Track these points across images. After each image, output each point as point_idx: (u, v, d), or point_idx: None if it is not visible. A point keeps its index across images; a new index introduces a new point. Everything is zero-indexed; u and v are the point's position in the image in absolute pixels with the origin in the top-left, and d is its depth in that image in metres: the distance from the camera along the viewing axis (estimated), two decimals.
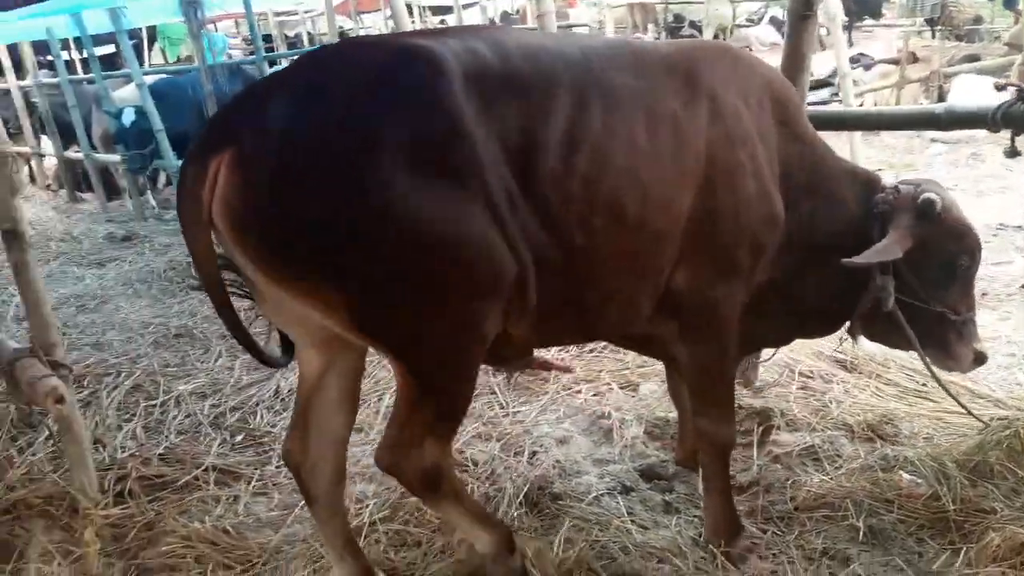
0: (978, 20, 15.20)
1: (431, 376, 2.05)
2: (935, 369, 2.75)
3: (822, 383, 3.70)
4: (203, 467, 3.27)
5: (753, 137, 2.37)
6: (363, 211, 1.78)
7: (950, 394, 2.88)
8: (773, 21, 17.36)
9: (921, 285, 2.56)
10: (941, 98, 8.99)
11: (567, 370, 3.32)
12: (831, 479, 2.98)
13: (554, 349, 3.95)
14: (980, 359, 2.70)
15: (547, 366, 2.91)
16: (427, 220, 1.82)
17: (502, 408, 3.63)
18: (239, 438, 3.61)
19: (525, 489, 2.91)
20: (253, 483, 3.20)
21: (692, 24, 18.44)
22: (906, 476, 2.91)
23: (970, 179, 7.58)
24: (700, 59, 2.38)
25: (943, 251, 2.57)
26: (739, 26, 18.30)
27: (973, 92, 8.54)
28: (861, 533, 2.67)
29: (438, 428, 2.12)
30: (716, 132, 2.31)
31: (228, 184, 1.78)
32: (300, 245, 1.80)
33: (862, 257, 2.42)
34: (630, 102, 2.18)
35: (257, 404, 3.94)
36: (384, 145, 1.79)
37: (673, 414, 3.35)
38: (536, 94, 2.03)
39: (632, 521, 2.75)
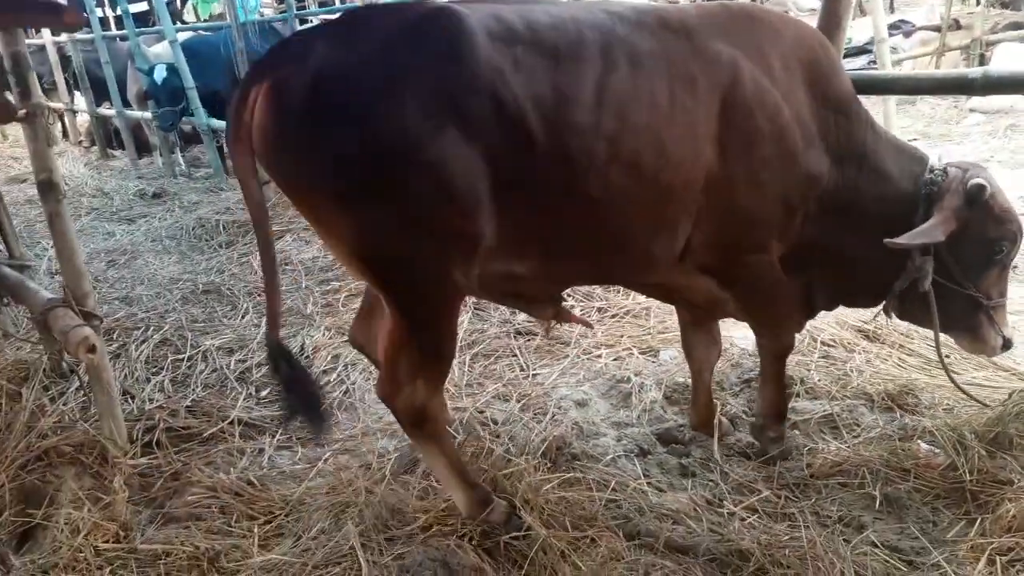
0: None
1: (415, 312, 2.26)
2: (943, 356, 2.78)
3: (844, 352, 3.69)
4: (229, 420, 3.36)
5: (775, 100, 2.37)
6: (375, 145, 1.98)
7: (954, 383, 2.86)
8: None
9: (959, 268, 2.58)
10: (982, 64, 8.75)
11: (588, 325, 3.33)
12: (848, 447, 2.99)
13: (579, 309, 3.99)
14: (1007, 344, 2.72)
15: (572, 318, 2.94)
16: (429, 162, 2.01)
17: (523, 370, 3.67)
18: (264, 393, 3.68)
19: (543, 448, 2.95)
20: (277, 437, 3.27)
21: None
22: (924, 446, 2.90)
23: (1007, 150, 7.39)
24: (723, 23, 2.40)
25: (985, 237, 2.57)
26: None
27: (1017, 60, 8.30)
28: (877, 501, 2.68)
29: (426, 368, 2.33)
30: (734, 96, 2.34)
31: (264, 109, 2.01)
32: (315, 169, 2.03)
33: (905, 238, 2.44)
34: (653, 64, 2.25)
35: None
36: (405, 90, 1.98)
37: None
38: (563, 57, 2.17)
39: (648, 483, 2.78)
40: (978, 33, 9.25)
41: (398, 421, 2.49)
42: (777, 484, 2.82)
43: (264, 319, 4.41)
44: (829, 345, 3.74)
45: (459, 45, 2.03)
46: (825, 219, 2.58)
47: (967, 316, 2.68)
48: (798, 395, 3.34)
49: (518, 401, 3.35)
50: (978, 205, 2.52)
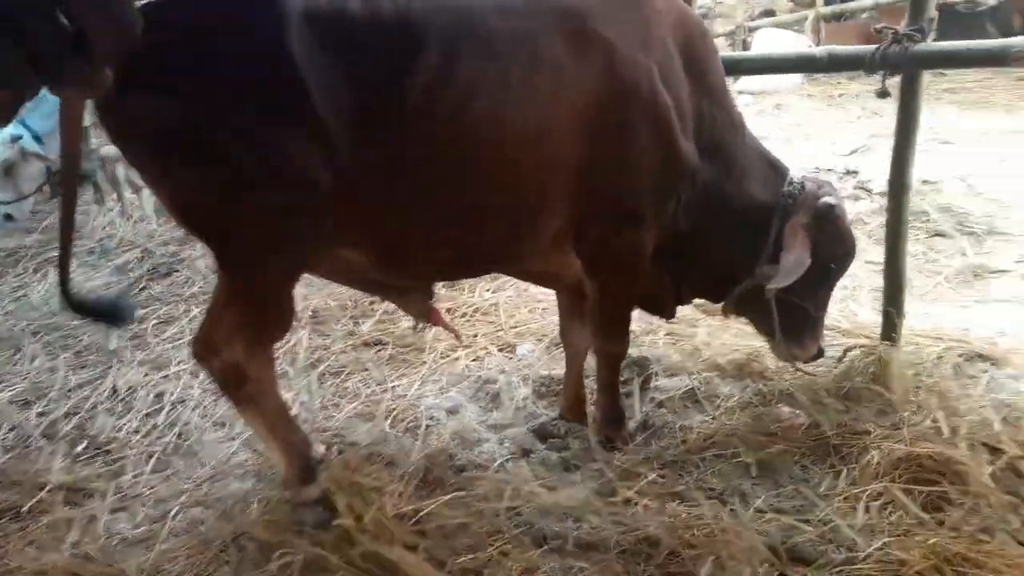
0: None
1: (239, 274, 2.30)
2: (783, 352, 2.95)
3: (687, 327, 3.81)
4: (46, 487, 2.85)
5: (654, 87, 2.35)
6: (193, 116, 2.02)
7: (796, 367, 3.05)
8: None
9: (800, 280, 2.63)
10: (745, 50, 9.54)
11: (457, 335, 3.19)
12: (714, 420, 3.07)
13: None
14: (820, 354, 2.95)
15: (440, 322, 2.83)
16: (244, 135, 2.04)
17: (380, 384, 3.44)
18: (80, 448, 3.18)
19: (424, 470, 2.77)
20: (109, 498, 2.82)
21: None
22: (785, 409, 3.05)
23: (777, 127, 8.09)
24: (597, 4, 2.34)
25: (825, 254, 2.69)
26: None
27: (774, 44, 9.14)
28: (752, 468, 2.77)
29: (247, 331, 2.34)
30: (608, 82, 2.30)
31: None
32: (147, 139, 2.09)
33: (782, 276, 2.55)
34: (508, 48, 2.19)
35: (94, 407, 3.50)
36: (221, 76, 2.02)
37: (556, 371, 3.32)
38: (399, 38, 2.11)
39: (540, 484, 2.69)
40: (740, 20, 10.09)
41: (216, 383, 2.45)
42: (657, 464, 2.84)
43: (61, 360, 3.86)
44: (673, 322, 3.84)
45: (270, 33, 2.02)
46: (693, 211, 2.61)
47: (794, 325, 2.81)
48: (656, 374, 3.40)
49: (385, 418, 3.14)
50: (825, 223, 2.65)
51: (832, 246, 2.71)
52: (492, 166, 2.24)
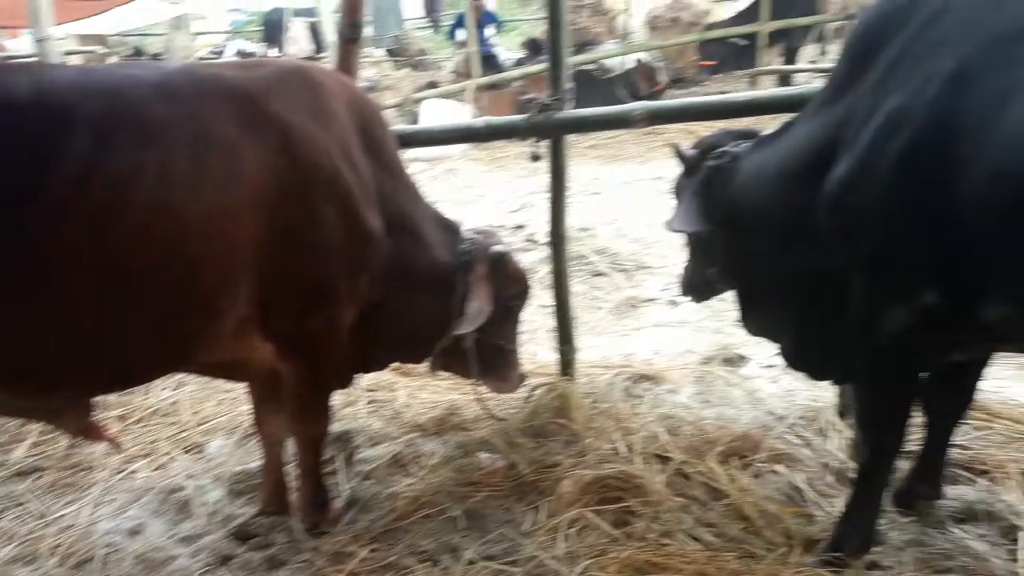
0: (423, 51, 17.30)
1: None
2: (482, 393, 3.15)
3: (387, 392, 3.81)
4: None
5: (335, 166, 2.35)
6: None
7: (484, 407, 3.23)
8: (239, 53, 17.34)
9: (490, 321, 2.85)
10: (415, 120, 9.99)
11: (115, 444, 2.85)
12: (420, 480, 3.08)
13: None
14: (523, 379, 3.18)
15: (100, 435, 2.51)
16: None
17: (41, 518, 2.97)
18: None
19: None
20: None
21: (155, 57, 17.48)
22: (484, 456, 3.15)
23: (451, 190, 8.55)
24: (271, 84, 2.30)
25: (507, 295, 2.95)
26: (203, 59, 17.91)
27: (440, 113, 9.69)
28: (460, 521, 2.81)
29: None
30: (287, 163, 2.25)
31: None
32: None
33: (469, 322, 2.74)
34: (168, 132, 2.05)
35: None
36: None
37: (252, 464, 3.13)
38: (41, 127, 1.91)
39: None
40: (407, 92, 10.56)
41: None
42: (369, 539, 2.77)
43: None
44: (372, 390, 3.82)
45: None
46: (385, 282, 2.64)
47: (495, 362, 3.04)
48: (360, 446, 3.34)
49: (51, 556, 2.71)
50: (500, 269, 2.89)
51: (510, 287, 2.97)
52: (157, 262, 2.07)
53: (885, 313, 2.05)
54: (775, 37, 11.06)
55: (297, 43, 15.12)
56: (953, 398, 2.48)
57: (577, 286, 5.23)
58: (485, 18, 12.72)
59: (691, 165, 2.87)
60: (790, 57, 12.04)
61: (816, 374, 2.65)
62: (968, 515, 2.53)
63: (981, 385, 2.51)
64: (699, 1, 13.94)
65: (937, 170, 1.82)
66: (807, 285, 2.36)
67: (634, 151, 9.29)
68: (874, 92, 2.03)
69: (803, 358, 2.61)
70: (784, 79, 9.94)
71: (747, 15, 11.86)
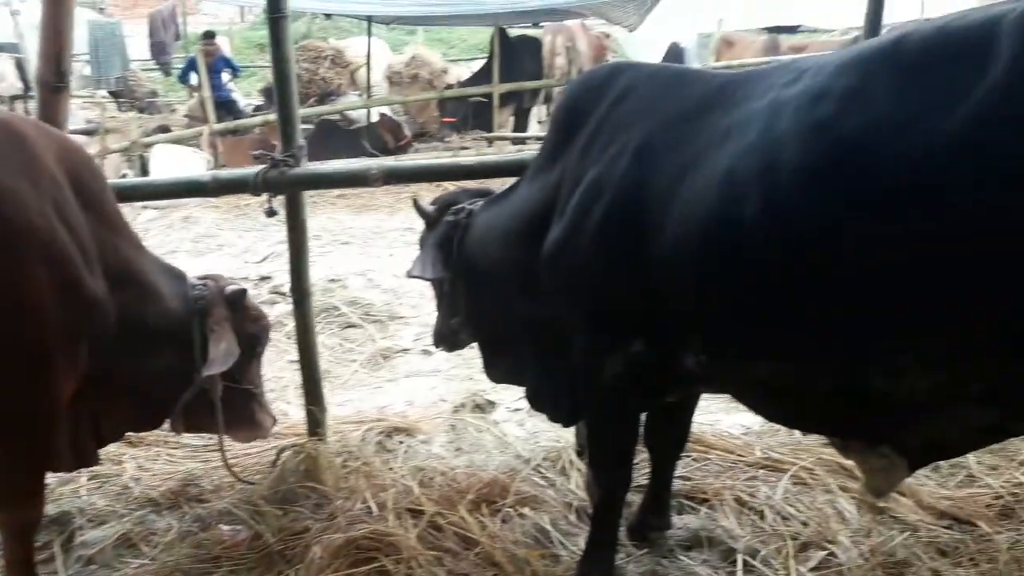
0: (154, 93, 16.25)
1: None
2: (223, 443, 2.94)
3: (113, 466, 3.44)
4: None
5: (50, 225, 2.11)
6: None
7: (228, 469, 3.04)
8: None
9: (235, 366, 2.73)
10: (144, 166, 9.31)
11: None
12: (154, 560, 2.82)
13: None
14: (275, 421, 3.09)
15: None
16: None
17: None
18: None
19: None
20: None
21: None
22: (225, 528, 2.95)
23: (188, 240, 8.06)
24: None
25: (248, 335, 2.85)
26: None
27: (172, 160, 9.11)
28: None
29: None
30: None
31: None
32: None
33: (218, 365, 2.61)
34: None
35: None
36: None
37: None
38: None
39: None
40: (135, 136, 9.80)
41: None
42: None
43: None
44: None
45: None
46: (112, 345, 2.42)
47: (244, 408, 2.92)
48: (81, 528, 2.99)
49: None
50: (239, 308, 2.80)
51: (251, 326, 2.89)
52: None
53: (604, 360, 2.23)
54: (507, 98, 11.83)
55: (5, 79, 13.54)
56: (672, 434, 2.74)
57: (328, 339, 5.15)
58: (220, 62, 12.25)
59: (431, 220, 2.97)
60: (521, 116, 12.92)
61: (553, 416, 2.82)
62: (694, 542, 2.78)
63: (697, 419, 2.80)
64: (436, 60, 14.48)
65: (632, 235, 2.03)
66: (539, 333, 2.53)
67: (383, 201, 9.35)
68: (579, 162, 2.25)
69: (542, 401, 2.75)
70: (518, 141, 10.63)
71: (482, 76, 12.56)
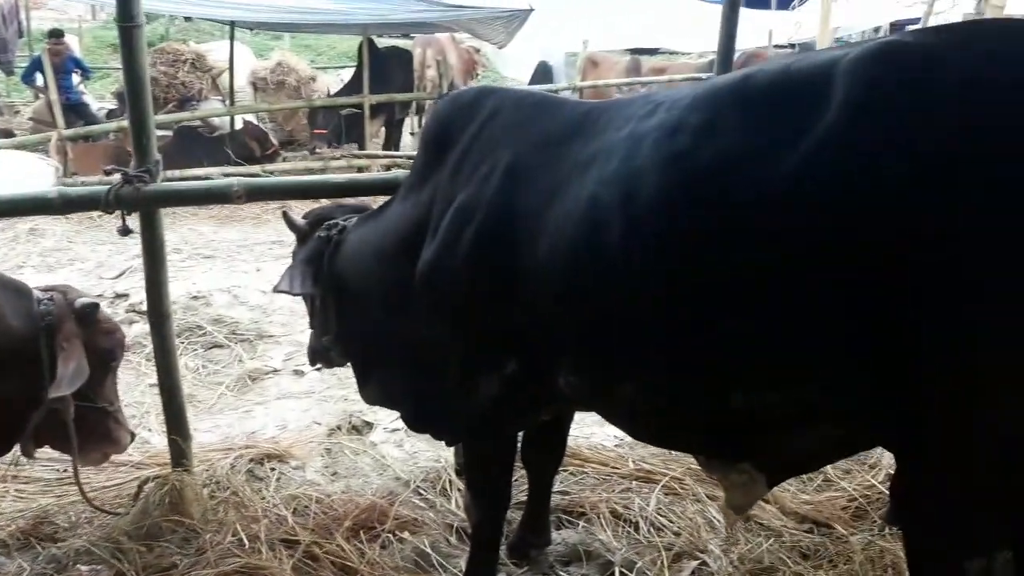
0: None
1: None
2: (78, 469, 2.76)
3: None
4: None
5: None
6: None
7: (86, 499, 2.86)
8: None
9: (87, 384, 2.61)
10: None
11: None
12: None
13: None
14: (133, 437, 2.93)
15: None
16: None
17: None
18: None
19: None
20: None
21: None
22: (84, 568, 2.76)
23: (36, 254, 7.50)
24: None
25: (101, 351, 2.71)
26: None
27: (16, 168, 8.43)
28: None
29: None
30: None
31: None
32: None
33: (66, 385, 2.48)
34: None
35: None
36: None
37: None
38: None
39: None
40: None
41: None
42: None
43: None
44: None
45: None
46: None
47: (100, 426, 2.77)
48: None
49: None
50: (90, 323, 2.66)
51: (104, 340, 2.75)
52: None
53: (478, 381, 2.25)
54: (377, 109, 11.68)
55: None
56: (549, 450, 2.79)
57: (192, 361, 4.92)
58: (69, 63, 11.42)
59: (302, 234, 2.89)
60: (395, 128, 12.77)
61: (436, 435, 2.80)
62: (573, 557, 2.83)
63: (573, 432, 2.85)
64: (303, 67, 14.15)
65: (502, 257, 2.06)
66: (415, 352, 2.50)
67: (249, 212, 8.98)
68: (450, 181, 2.27)
69: (421, 421, 2.73)
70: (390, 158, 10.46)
71: (352, 86, 12.33)
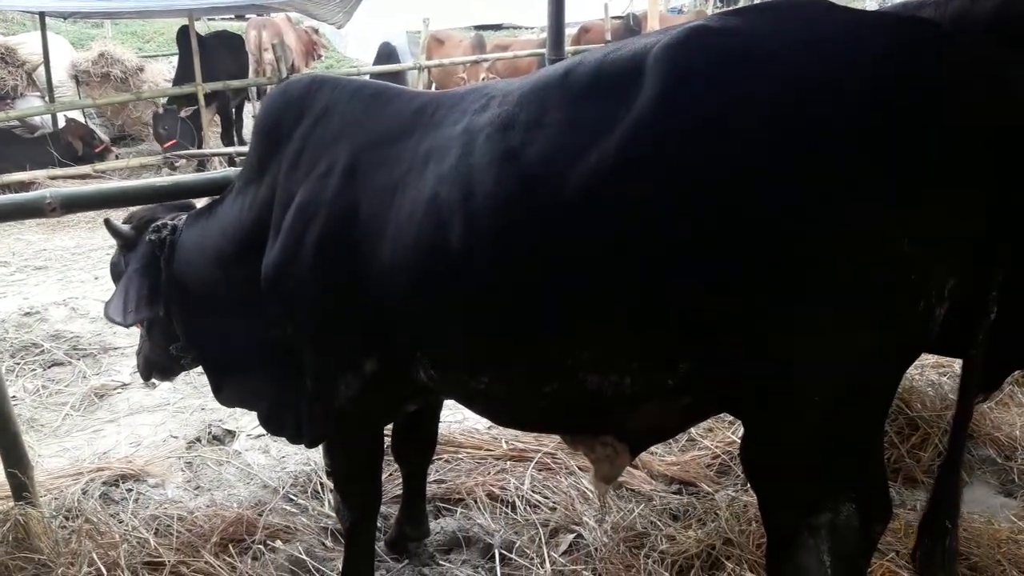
0: None
1: None
2: None
3: None
4: None
5: None
6: None
7: None
8: None
9: None
10: None
11: None
12: None
13: None
14: None
15: None
16: None
17: None
18: None
19: None
20: None
21: None
22: None
23: None
24: None
25: None
26: None
27: None
28: None
29: None
30: None
31: None
32: None
33: None
34: None
35: None
36: None
37: None
38: None
39: None
40: None
41: None
42: None
43: None
44: None
45: None
46: None
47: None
48: None
49: None
50: None
51: None
52: None
53: (338, 380, 2.19)
54: (209, 98, 11.06)
55: None
56: (420, 441, 2.77)
57: (29, 382, 4.56)
58: None
59: (129, 241, 2.69)
60: (228, 115, 12.12)
61: (292, 438, 2.70)
62: (453, 544, 2.83)
63: (446, 418, 2.83)
64: (129, 57, 13.25)
65: (347, 258, 2.02)
66: (269, 354, 2.41)
67: (83, 216, 8.37)
68: (288, 178, 2.19)
69: (276, 423, 2.63)
70: (232, 159, 9.92)
71: (180, 77, 11.59)
